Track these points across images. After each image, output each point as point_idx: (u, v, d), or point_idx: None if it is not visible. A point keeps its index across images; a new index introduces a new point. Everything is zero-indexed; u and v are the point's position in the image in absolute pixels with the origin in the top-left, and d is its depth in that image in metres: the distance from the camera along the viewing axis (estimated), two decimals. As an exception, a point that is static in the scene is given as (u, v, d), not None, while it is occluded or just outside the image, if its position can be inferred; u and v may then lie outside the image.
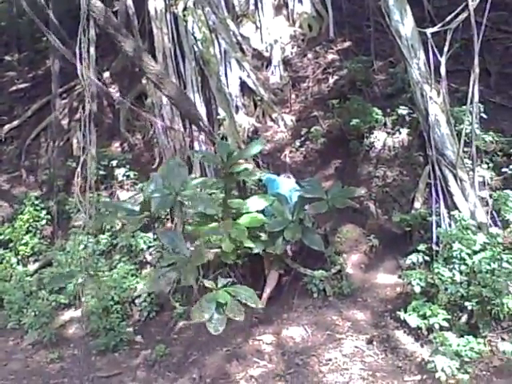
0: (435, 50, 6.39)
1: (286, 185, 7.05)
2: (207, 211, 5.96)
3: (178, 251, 5.78)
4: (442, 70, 6.37)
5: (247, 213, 6.31)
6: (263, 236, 6.50)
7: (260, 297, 6.33)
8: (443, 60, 6.27)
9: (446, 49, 6.21)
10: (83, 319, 7.48)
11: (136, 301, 7.66)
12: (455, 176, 6.27)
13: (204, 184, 6.25)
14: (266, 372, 5.66)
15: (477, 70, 6.02)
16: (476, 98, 6.13)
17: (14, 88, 13.60)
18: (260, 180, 7.37)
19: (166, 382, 6.04)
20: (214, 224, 6.22)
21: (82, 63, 6.03)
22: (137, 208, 6.07)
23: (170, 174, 6.16)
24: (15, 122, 12.01)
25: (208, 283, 5.41)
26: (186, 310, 7.08)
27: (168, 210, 7.54)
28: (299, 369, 5.58)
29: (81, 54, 5.91)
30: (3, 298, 8.09)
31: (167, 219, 8.15)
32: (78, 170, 6.20)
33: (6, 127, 11.81)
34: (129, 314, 7.60)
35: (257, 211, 6.37)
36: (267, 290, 6.61)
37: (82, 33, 6.36)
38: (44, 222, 9.54)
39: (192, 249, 6.03)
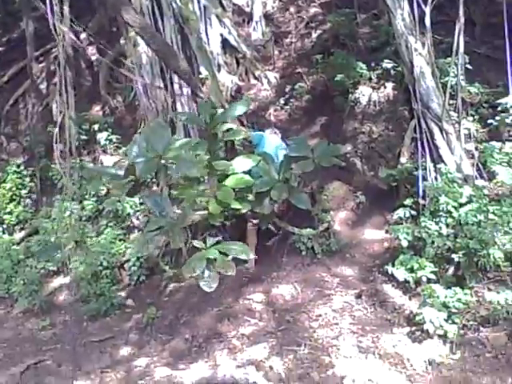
0: (419, 0, 6.24)
1: (273, 141, 6.97)
2: (192, 173, 5.86)
3: (164, 214, 5.72)
4: (427, 21, 6.24)
5: (233, 174, 6.23)
6: (250, 197, 6.45)
7: None
8: (428, 11, 6.14)
9: (430, -1, 6.07)
10: (73, 285, 7.50)
11: (125, 265, 7.68)
12: (441, 129, 6.24)
13: (187, 145, 6.11)
14: (257, 330, 5.72)
15: (462, 21, 5.91)
16: (461, 49, 6.05)
17: (-11, 53, 13.15)
18: (245, 139, 7.26)
19: (159, 343, 6.10)
20: (200, 186, 6.14)
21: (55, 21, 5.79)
22: (121, 172, 5.95)
23: (153, 136, 6.02)
24: (-8, 89, 11.66)
25: (197, 243, 5.39)
26: (175, 273, 7.11)
27: (153, 174, 7.43)
28: (290, 325, 5.65)
29: (52, 10, 5.66)
30: (-10, 268, 8.04)
31: (153, 183, 8.05)
32: (56, 133, 5.99)
33: (-18, 94, 11.48)
34: (119, 278, 7.63)
35: (243, 172, 6.29)
36: (251, 247, 6.61)
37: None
38: (27, 189, 9.41)
39: (179, 211, 5.97)
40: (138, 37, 8.97)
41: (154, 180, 8.20)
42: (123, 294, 7.36)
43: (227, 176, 6.24)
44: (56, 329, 6.99)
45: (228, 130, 6.42)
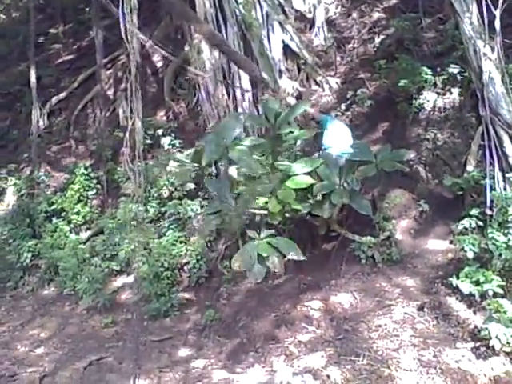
0: (489, 2, 6.02)
1: (339, 128, 7.00)
2: (253, 171, 5.94)
3: (224, 200, 5.84)
4: (497, 25, 6.01)
5: (294, 175, 6.24)
6: (310, 199, 6.43)
7: None
8: (498, 14, 5.90)
9: (500, 1, 5.83)
10: (135, 285, 7.70)
11: (185, 267, 7.81)
12: (510, 137, 5.98)
13: (253, 145, 6.21)
14: (315, 338, 5.68)
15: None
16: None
17: (60, 60, 13.77)
18: (313, 119, 7.28)
19: (216, 346, 6.17)
20: (262, 184, 6.19)
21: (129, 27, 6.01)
22: (187, 158, 6.14)
23: (223, 129, 6.19)
24: (62, 94, 12.18)
25: (251, 233, 5.43)
26: (233, 276, 7.18)
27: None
28: (348, 335, 5.56)
29: (125, 18, 5.87)
30: (58, 265, 8.40)
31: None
32: (124, 137, 6.21)
33: (54, 99, 12.00)
34: (178, 280, 7.76)
35: (304, 174, 6.28)
36: None
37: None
38: (94, 191, 9.75)
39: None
40: (201, 44, 9.22)
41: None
42: (183, 295, 7.47)
43: (289, 177, 6.27)
44: (118, 327, 7.20)
45: (290, 132, 6.45)
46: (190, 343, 6.43)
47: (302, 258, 5.46)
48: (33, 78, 10.93)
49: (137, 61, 10.09)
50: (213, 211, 5.88)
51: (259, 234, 5.51)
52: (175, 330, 6.81)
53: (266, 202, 6.00)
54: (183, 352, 6.27)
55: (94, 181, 9.81)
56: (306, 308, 6.14)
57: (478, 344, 4.99)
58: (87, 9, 13.48)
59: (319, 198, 6.30)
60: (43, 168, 10.56)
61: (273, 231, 5.62)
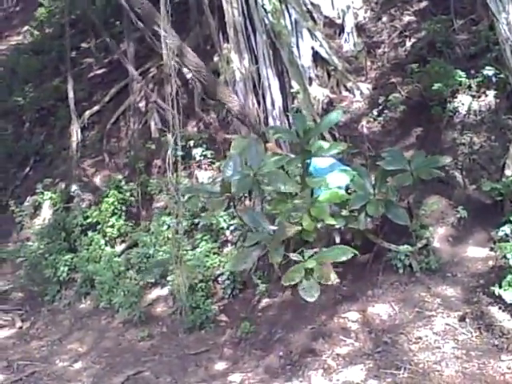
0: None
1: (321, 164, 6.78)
2: (285, 189, 5.88)
3: (261, 230, 5.78)
4: (535, 25, 5.83)
5: (328, 188, 6.16)
6: (344, 212, 6.34)
7: None
8: (535, 13, 5.73)
9: (538, 0, 5.66)
10: (172, 297, 7.73)
11: (219, 279, 7.78)
12: (551, 139, 5.77)
13: (281, 161, 6.14)
14: (354, 350, 5.57)
15: None
16: None
17: (92, 74, 13.99)
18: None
19: (253, 359, 6.11)
20: (294, 201, 6.13)
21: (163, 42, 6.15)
22: (217, 189, 6.10)
23: (247, 152, 6.13)
24: (95, 108, 12.35)
25: (294, 256, 5.37)
26: (268, 288, 7.12)
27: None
28: (388, 347, 5.44)
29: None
30: (94, 279, 8.47)
31: (245, 197, 8.15)
32: (169, 152, 6.36)
33: (87, 113, 12.17)
34: (213, 292, 7.73)
35: (338, 187, 6.19)
36: None
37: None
38: (128, 203, 9.81)
39: (274, 227, 5.99)
40: (231, 54, 9.24)
41: (246, 195, 8.33)
42: (217, 307, 7.44)
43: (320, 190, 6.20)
44: (154, 340, 7.21)
45: (320, 147, 6.35)
46: (226, 356, 6.40)
47: (351, 254, 5.37)
48: (70, 94, 11.12)
49: (171, 73, 10.30)
50: (252, 243, 5.81)
51: (302, 255, 5.44)
52: (211, 343, 6.78)
53: (300, 218, 5.91)
54: (220, 365, 6.24)
55: (128, 193, 9.87)
56: (343, 320, 6.04)
57: (524, 356, 4.82)
58: (118, 22, 13.68)
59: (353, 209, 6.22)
60: (78, 182, 10.69)
61: (316, 249, 5.54)
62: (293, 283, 5.06)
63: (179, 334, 7.10)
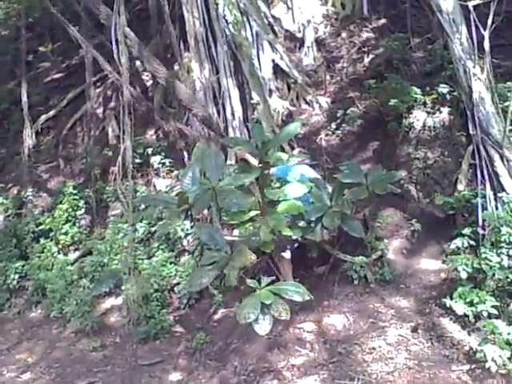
0: (478, 23, 6.08)
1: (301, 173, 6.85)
2: (243, 206, 5.84)
3: (219, 248, 5.72)
4: (486, 45, 6.06)
5: (285, 200, 6.18)
6: (301, 223, 6.38)
7: None
8: (486, 34, 5.96)
9: (489, 22, 5.89)
10: (124, 307, 7.58)
11: (175, 289, 7.69)
12: (501, 156, 5.99)
13: (240, 176, 6.13)
14: (308, 361, 5.58)
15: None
16: (524, 74, 5.83)
17: (49, 78, 13.70)
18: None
19: (208, 370, 6.04)
20: (252, 213, 6.12)
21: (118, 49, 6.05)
22: (174, 200, 6.02)
23: (206, 163, 6.08)
24: (51, 113, 12.07)
25: (251, 282, 5.33)
26: (224, 298, 7.08)
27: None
28: (342, 358, 5.48)
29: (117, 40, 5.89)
30: (46, 287, 8.22)
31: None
32: (119, 159, 6.21)
33: (43, 118, 11.88)
34: (168, 301, 7.64)
35: (295, 198, 6.23)
36: (288, 275, 6.49)
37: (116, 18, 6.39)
38: (82, 211, 9.60)
39: (230, 238, 5.97)
40: (191, 63, 9.21)
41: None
42: (173, 317, 7.34)
43: (279, 202, 6.21)
44: (107, 350, 7.03)
45: (279, 159, 6.38)
46: (180, 367, 6.29)
47: (307, 298, 5.32)
48: (24, 97, 10.83)
49: (127, 79, 10.15)
50: (209, 262, 5.75)
51: (259, 281, 5.43)
52: (165, 354, 6.66)
53: (258, 229, 5.89)
54: (174, 376, 6.12)
55: (83, 200, 9.67)
56: (299, 330, 6.06)
57: (473, 366, 4.93)
58: (77, 27, 13.44)
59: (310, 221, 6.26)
60: (31, 187, 10.39)
61: (273, 277, 5.49)
62: (248, 321, 5.01)
63: (133, 345, 6.94)
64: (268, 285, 5.27)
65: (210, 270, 5.55)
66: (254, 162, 6.52)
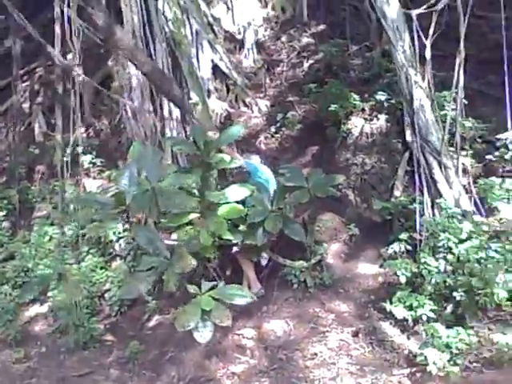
0: (420, 33, 6.19)
1: (267, 171, 6.77)
2: (184, 208, 5.60)
3: (158, 253, 5.45)
4: (427, 54, 6.19)
5: (226, 203, 6.01)
6: (242, 227, 6.23)
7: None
8: (428, 43, 6.09)
9: (431, 31, 6.02)
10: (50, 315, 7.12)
11: (106, 295, 7.30)
12: (439, 163, 6.13)
13: (180, 174, 5.90)
14: (249, 368, 5.43)
15: (462, 54, 5.89)
16: (461, 83, 6.00)
17: (-32, 71, 12.79)
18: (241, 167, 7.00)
19: (142, 380, 5.75)
20: (191, 216, 5.89)
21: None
22: (109, 201, 5.69)
23: (144, 162, 5.80)
24: (-29, 107, 11.29)
25: (191, 288, 5.12)
26: (159, 304, 6.79)
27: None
28: (283, 364, 5.37)
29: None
30: (-38, 294, 7.57)
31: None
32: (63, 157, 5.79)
33: (-39, 111, 11.09)
34: (99, 309, 7.24)
35: (236, 201, 6.07)
36: (251, 280, 6.37)
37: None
38: (5, 212, 8.98)
39: (169, 242, 5.71)
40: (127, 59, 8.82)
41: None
42: (103, 325, 6.95)
43: (220, 205, 6.03)
44: (31, 361, 6.54)
45: (221, 160, 6.20)
46: (112, 378, 5.94)
47: (250, 299, 5.21)
48: None
49: (57, 75, 9.66)
50: (147, 267, 5.45)
51: (199, 286, 5.21)
52: (96, 364, 6.27)
53: (198, 233, 5.68)
54: (105, 388, 5.79)
55: (5, 201, 9.07)
56: (238, 337, 5.89)
57: (413, 369, 4.95)
58: (2, 17, 12.68)
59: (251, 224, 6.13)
60: None
61: (214, 283, 5.31)
62: (188, 329, 4.80)
63: (60, 355, 6.52)
64: (209, 290, 5.06)
65: (148, 275, 5.27)
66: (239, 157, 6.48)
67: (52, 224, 8.57)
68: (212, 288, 5.18)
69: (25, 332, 7.05)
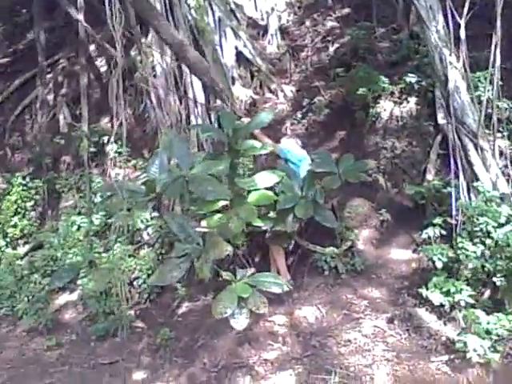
0: (454, 12, 6.00)
1: (300, 151, 6.66)
2: (215, 196, 5.51)
3: (190, 240, 5.39)
4: (462, 34, 5.99)
5: (255, 189, 5.91)
6: (272, 213, 6.14)
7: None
8: (462, 23, 5.89)
9: (465, 11, 5.82)
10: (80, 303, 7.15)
11: (134, 283, 7.29)
12: (476, 145, 5.93)
13: (210, 161, 5.81)
14: (282, 355, 5.36)
15: (499, 34, 5.68)
16: (498, 63, 5.79)
17: (-6, 63, 12.88)
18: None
19: (174, 368, 5.71)
20: (221, 203, 5.81)
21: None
22: (139, 189, 5.64)
23: (173, 150, 5.73)
24: (-3, 99, 11.35)
25: (226, 275, 5.06)
26: (188, 291, 6.76)
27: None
28: (317, 351, 5.29)
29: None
30: (-7, 283, 7.65)
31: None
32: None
33: (-13, 105, 11.17)
34: (128, 296, 7.21)
35: (265, 188, 5.97)
36: (281, 268, 6.29)
37: None
38: (33, 202, 9.05)
39: (200, 229, 5.64)
40: (151, 48, 8.79)
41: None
42: (133, 312, 6.95)
43: (250, 192, 5.94)
44: (63, 349, 6.57)
45: (252, 147, 6.10)
46: (144, 365, 5.91)
47: (286, 288, 5.15)
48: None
49: (82, 65, 9.65)
50: (180, 254, 5.38)
51: (234, 273, 5.15)
52: (127, 351, 6.24)
53: (228, 220, 5.59)
54: (138, 375, 5.74)
55: (33, 191, 9.11)
56: (270, 323, 5.82)
57: (452, 356, 4.85)
58: (23, 10, 12.74)
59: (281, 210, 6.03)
60: (-24, 178, 9.71)
61: (248, 269, 5.24)
62: (225, 316, 4.75)
63: (91, 342, 6.53)
64: (244, 277, 5.00)
65: (181, 262, 5.21)
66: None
67: (79, 213, 8.60)
68: (246, 275, 5.11)
69: (55, 320, 7.08)
